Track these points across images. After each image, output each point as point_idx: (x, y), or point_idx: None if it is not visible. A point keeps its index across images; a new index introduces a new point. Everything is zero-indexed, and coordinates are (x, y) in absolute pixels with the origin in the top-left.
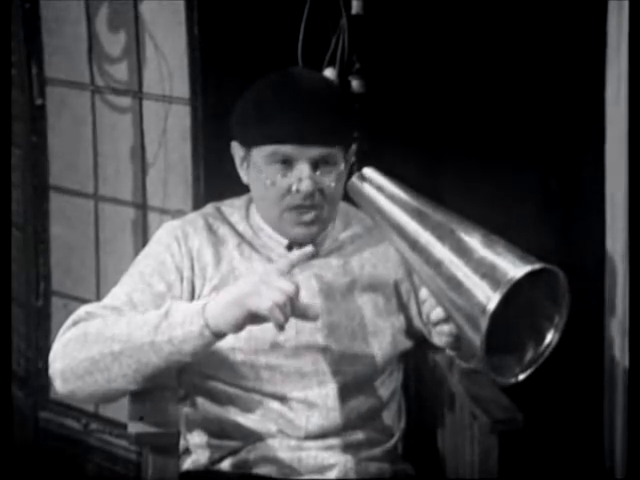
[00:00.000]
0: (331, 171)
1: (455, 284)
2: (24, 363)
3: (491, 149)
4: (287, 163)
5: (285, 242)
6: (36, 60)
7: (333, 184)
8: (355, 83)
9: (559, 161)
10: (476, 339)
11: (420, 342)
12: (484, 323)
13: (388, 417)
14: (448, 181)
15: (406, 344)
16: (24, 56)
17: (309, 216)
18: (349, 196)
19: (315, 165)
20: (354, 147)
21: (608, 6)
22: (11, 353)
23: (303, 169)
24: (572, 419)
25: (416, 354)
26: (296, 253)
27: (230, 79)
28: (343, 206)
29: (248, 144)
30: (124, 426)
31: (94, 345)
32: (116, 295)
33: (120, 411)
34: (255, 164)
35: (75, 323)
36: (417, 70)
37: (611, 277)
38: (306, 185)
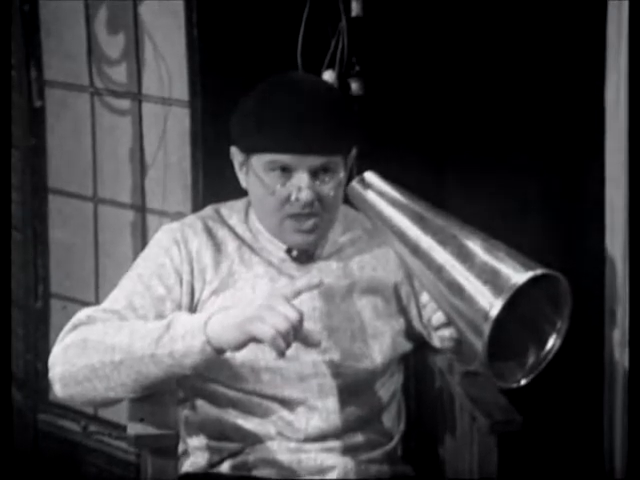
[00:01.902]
0: (331, 179)
1: (457, 289)
2: (23, 365)
3: (491, 151)
4: (286, 171)
5: (284, 246)
6: (35, 62)
7: (332, 192)
8: (354, 85)
9: (559, 165)
10: (478, 345)
11: (420, 344)
12: (486, 329)
13: (388, 419)
14: (448, 183)
15: (406, 346)
16: (23, 58)
17: (308, 224)
18: (349, 199)
19: (315, 174)
20: (354, 153)
21: (608, 7)
22: (11, 355)
23: (302, 178)
24: (572, 421)
25: (416, 356)
26: (304, 281)
27: (229, 81)
28: (342, 209)
29: (247, 151)
30: (123, 428)
31: (95, 353)
32: (116, 298)
33: (119, 413)
34: (254, 170)
35: (76, 327)
36: (417, 72)
37: (611, 280)
38: (305, 195)
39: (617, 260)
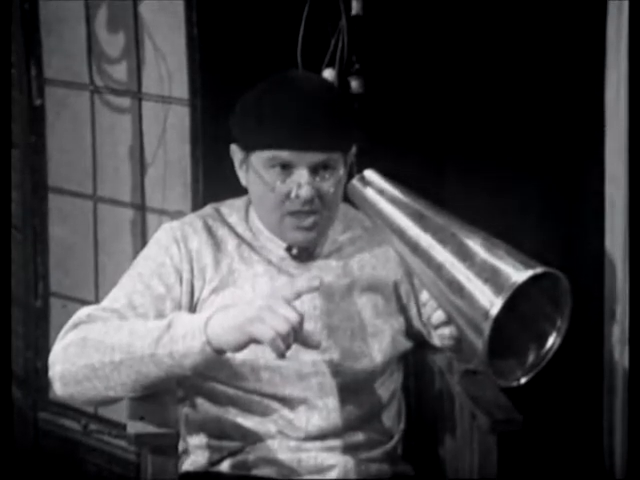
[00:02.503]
0: (331, 176)
1: (457, 288)
2: (23, 363)
3: (491, 150)
4: (286, 168)
5: (284, 244)
6: (35, 60)
7: (332, 189)
8: (354, 83)
9: (559, 165)
10: (478, 343)
11: (420, 343)
12: (487, 328)
13: (388, 418)
14: (448, 182)
15: (406, 345)
16: (23, 56)
17: (308, 221)
18: (349, 197)
19: (314, 170)
20: (354, 150)
21: (608, 7)
22: (11, 353)
23: (302, 174)
24: (572, 420)
25: (416, 355)
26: (304, 283)
27: (229, 80)
28: (342, 207)
29: (247, 148)
30: (123, 427)
31: (94, 352)
32: (116, 297)
33: (119, 412)
34: (254, 168)
35: (76, 325)
36: (416, 71)
37: (611, 280)
38: (305, 191)
39: (617, 260)
